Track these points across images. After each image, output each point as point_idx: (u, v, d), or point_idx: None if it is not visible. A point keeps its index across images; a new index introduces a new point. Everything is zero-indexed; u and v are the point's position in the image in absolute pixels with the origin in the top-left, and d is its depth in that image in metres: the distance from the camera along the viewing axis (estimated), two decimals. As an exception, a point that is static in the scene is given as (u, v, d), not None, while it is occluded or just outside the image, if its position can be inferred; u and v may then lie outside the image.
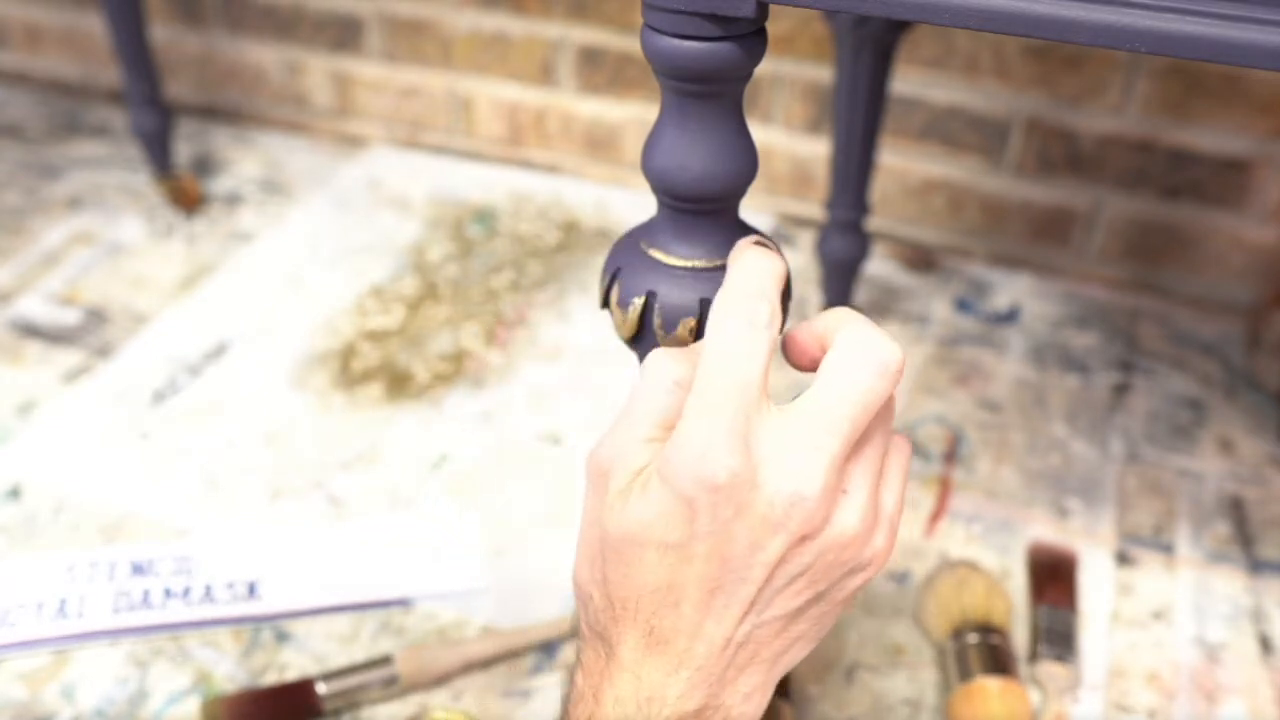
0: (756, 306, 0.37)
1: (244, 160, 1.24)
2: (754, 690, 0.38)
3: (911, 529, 0.78)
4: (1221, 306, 1.03)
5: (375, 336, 0.96)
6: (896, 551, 0.76)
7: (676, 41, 0.37)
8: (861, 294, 1.02)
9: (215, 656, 0.68)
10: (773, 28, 1.00)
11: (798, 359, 0.40)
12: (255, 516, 0.78)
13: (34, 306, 1.00)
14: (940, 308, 1.02)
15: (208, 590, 0.72)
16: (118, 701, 0.66)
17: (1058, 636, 0.69)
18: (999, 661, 0.64)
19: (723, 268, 0.42)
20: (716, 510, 0.35)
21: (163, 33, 1.29)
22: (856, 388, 0.36)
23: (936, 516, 0.79)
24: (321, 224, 1.13)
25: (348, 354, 0.94)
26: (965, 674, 0.64)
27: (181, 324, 0.98)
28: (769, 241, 0.40)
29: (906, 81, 1.03)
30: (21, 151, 1.25)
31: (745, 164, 0.41)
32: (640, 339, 0.44)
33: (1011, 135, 1.03)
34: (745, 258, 0.39)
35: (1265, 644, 0.71)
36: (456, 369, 0.93)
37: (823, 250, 0.90)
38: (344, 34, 1.23)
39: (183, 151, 1.24)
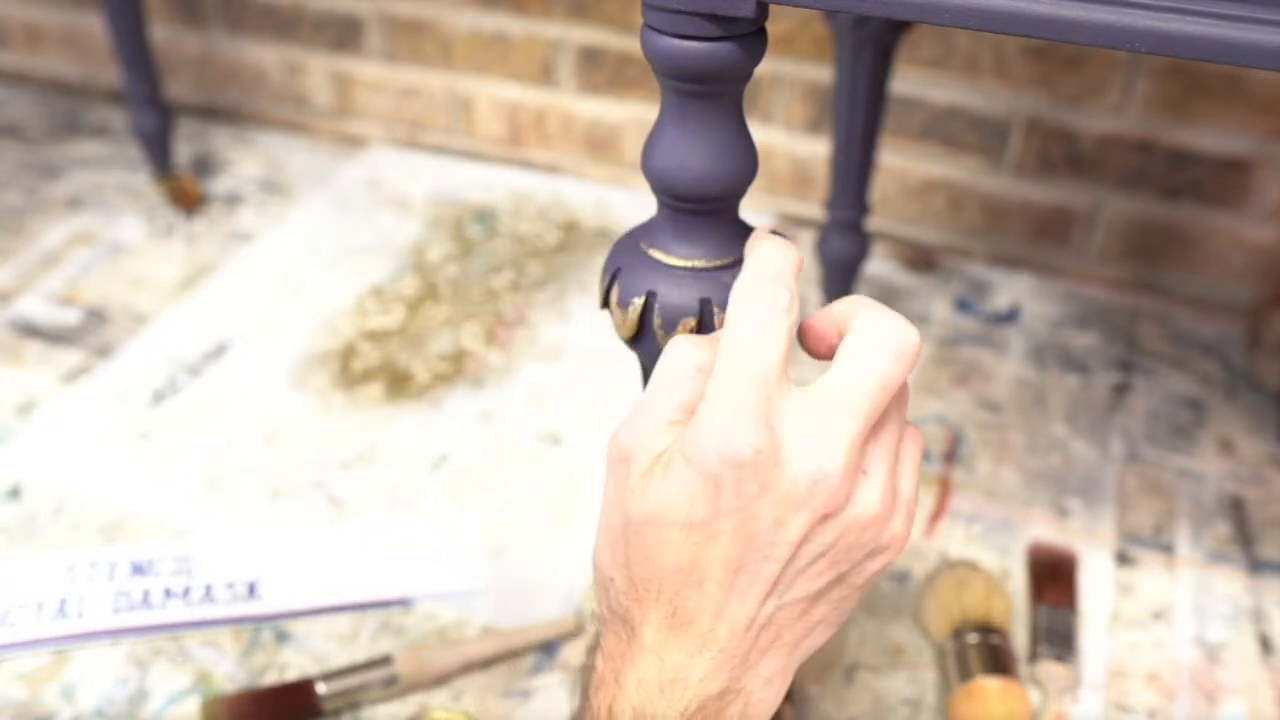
0: (775, 291, 0.38)
1: (244, 160, 1.24)
2: (774, 675, 0.39)
3: (912, 529, 0.78)
4: (1221, 306, 1.03)
5: (375, 336, 0.96)
6: (896, 551, 0.76)
7: (676, 41, 0.37)
8: (862, 294, 1.02)
9: (215, 656, 0.68)
10: (773, 28, 1.00)
11: (814, 346, 0.40)
12: (255, 516, 0.78)
13: (34, 306, 1.00)
14: (940, 308, 1.02)
15: (208, 590, 0.72)
16: (118, 701, 0.66)
17: (1058, 636, 0.69)
18: (999, 661, 0.64)
19: (723, 268, 0.43)
20: (741, 487, 0.35)
21: (163, 33, 1.29)
22: (874, 370, 0.36)
23: (936, 516, 0.79)
24: (321, 224, 1.13)
25: (348, 354, 0.94)
26: (965, 674, 0.64)
27: (181, 324, 0.98)
28: (785, 232, 0.41)
29: (906, 81, 1.03)
30: (21, 151, 1.25)
31: (745, 164, 0.41)
32: (640, 339, 0.44)
33: (1011, 135, 1.03)
34: (763, 246, 0.39)
35: (1265, 644, 0.71)
36: (456, 369, 0.93)
37: (823, 250, 0.90)
38: (344, 34, 1.23)
39: (183, 151, 1.24)
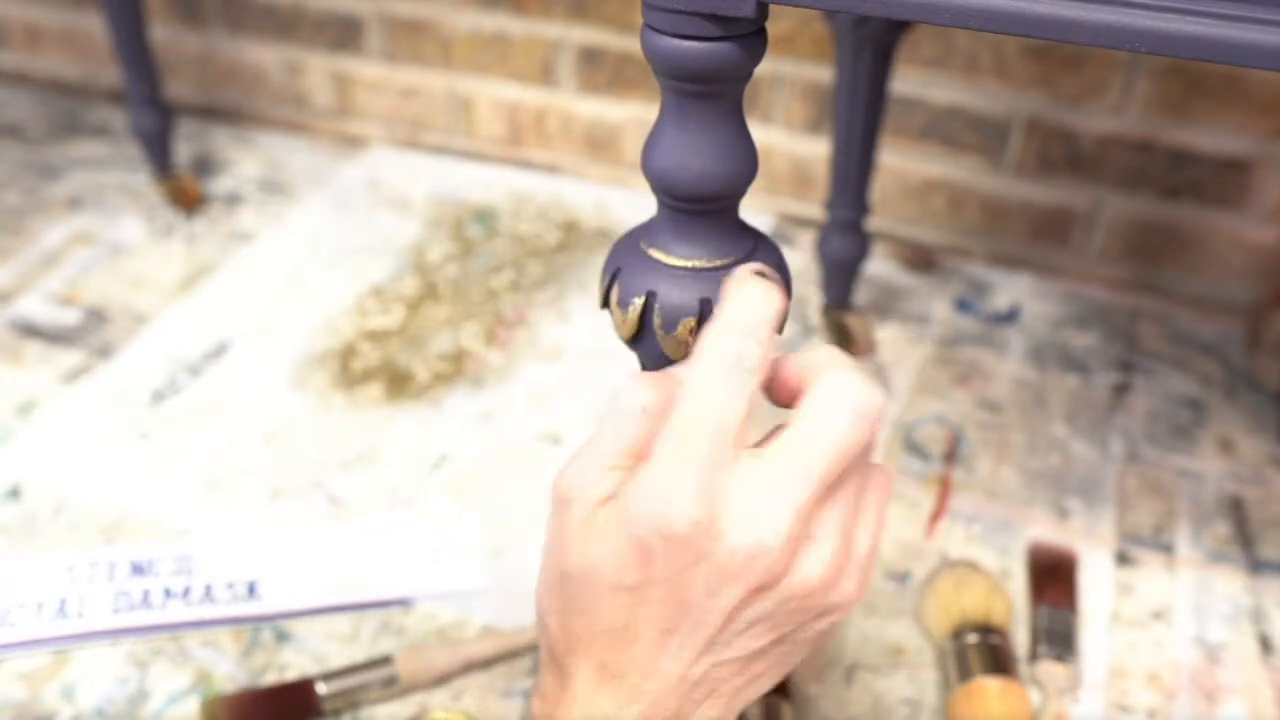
0: (744, 347, 0.36)
1: (244, 160, 1.24)
2: None
3: (912, 529, 0.78)
4: (1221, 306, 1.03)
5: (375, 336, 0.96)
6: (897, 551, 0.76)
7: (676, 41, 0.37)
8: (861, 294, 1.02)
9: (215, 656, 0.68)
10: (773, 28, 1.00)
11: (777, 395, 0.39)
12: (255, 516, 0.78)
13: (34, 306, 1.00)
14: (940, 308, 1.02)
15: (208, 590, 0.72)
16: (118, 701, 0.66)
17: (1058, 636, 0.69)
18: (999, 661, 0.64)
19: (723, 267, 0.42)
20: (673, 558, 0.35)
21: (163, 33, 1.29)
22: (831, 434, 0.35)
23: (936, 516, 0.79)
24: (321, 224, 1.13)
25: (348, 354, 0.94)
26: (965, 674, 0.64)
27: (181, 324, 0.98)
28: (770, 273, 0.38)
29: (906, 81, 1.03)
30: (21, 151, 1.25)
31: (745, 164, 0.41)
32: (640, 339, 0.44)
33: (1011, 135, 1.03)
34: (743, 291, 0.37)
35: (1265, 644, 0.71)
36: (456, 369, 0.93)
37: (823, 250, 0.90)
38: (344, 34, 1.23)
39: (183, 151, 1.24)
